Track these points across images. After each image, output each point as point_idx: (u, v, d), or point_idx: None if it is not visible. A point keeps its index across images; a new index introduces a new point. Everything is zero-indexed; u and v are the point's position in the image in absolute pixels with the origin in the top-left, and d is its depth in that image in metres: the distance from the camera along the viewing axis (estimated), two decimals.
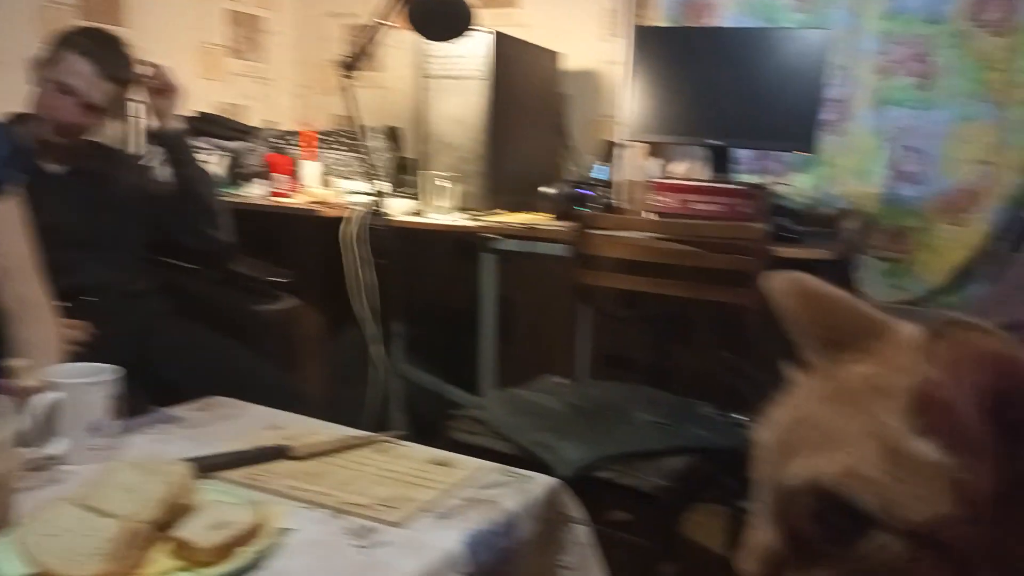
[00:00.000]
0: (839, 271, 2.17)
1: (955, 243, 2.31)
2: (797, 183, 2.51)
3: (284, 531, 0.96)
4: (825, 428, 0.41)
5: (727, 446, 1.61)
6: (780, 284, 0.47)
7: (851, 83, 2.41)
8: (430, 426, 1.84)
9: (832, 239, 2.17)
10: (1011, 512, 0.36)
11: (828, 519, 0.40)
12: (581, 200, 2.35)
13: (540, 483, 1.14)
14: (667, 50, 2.43)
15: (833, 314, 0.46)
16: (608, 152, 2.60)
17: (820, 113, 2.22)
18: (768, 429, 0.44)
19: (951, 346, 0.36)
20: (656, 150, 2.69)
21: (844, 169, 2.44)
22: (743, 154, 2.54)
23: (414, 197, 2.57)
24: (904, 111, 2.34)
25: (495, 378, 2.42)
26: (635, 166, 2.69)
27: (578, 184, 2.42)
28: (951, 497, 0.36)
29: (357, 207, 2.39)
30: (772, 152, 2.52)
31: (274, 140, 2.98)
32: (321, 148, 2.92)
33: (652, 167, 2.66)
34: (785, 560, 0.42)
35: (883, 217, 2.40)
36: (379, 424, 2.26)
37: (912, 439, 0.38)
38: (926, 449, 0.37)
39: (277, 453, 1.20)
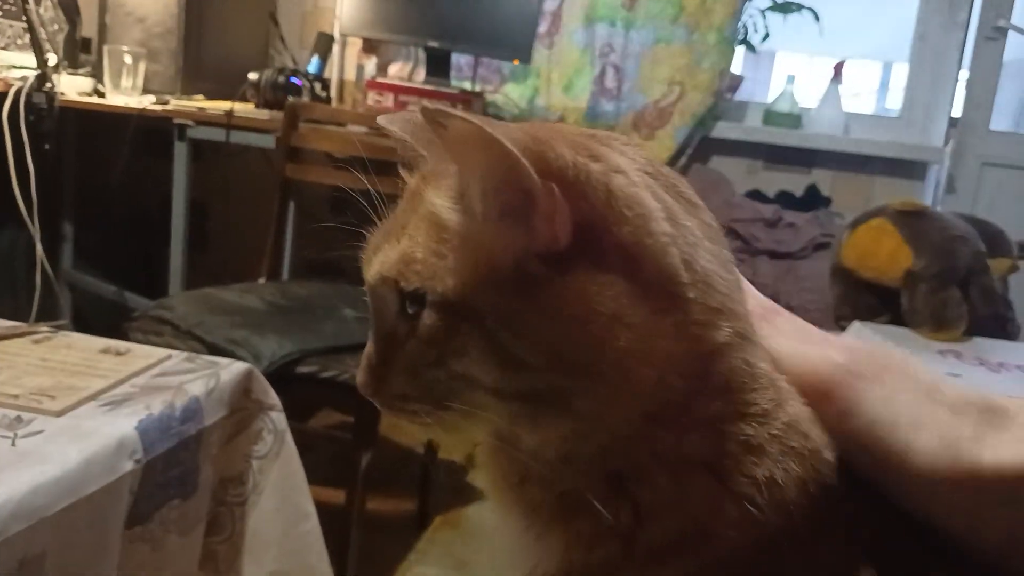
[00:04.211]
0: None
1: None
2: (510, 93, 2.54)
3: None
4: (400, 222, 0.42)
5: None
6: (387, 118, 0.47)
7: None
8: (105, 332, 1.64)
9: None
10: (525, 279, 0.38)
11: (403, 311, 0.40)
12: (291, 90, 2.19)
13: (230, 369, 1.04)
14: None
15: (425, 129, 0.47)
16: (324, 46, 2.45)
17: (538, 24, 2.24)
18: (372, 236, 0.44)
19: (448, 135, 0.37)
20: (374, 49, 2.59)
21: (554, 82, 2.50)
22: (460, 61, 2.51)
23: (94, 76, 2.25)
24: (610, 29, 2.44)
25: (186, 286, 2.21)
26: (351, 63, 2.57)
27: (290, 74, 2.25)
28: (472, 264, 0.38)
29: (18, 82, 2.04)
30: (488, 60, 2.53)
31: None
32: None
33: (368, 66, 2.56)
34: (383, 365, 0.41)
35: None
36: None
37: (449, 213, 0.39)
38: (455, 220, 0.39)
39: None
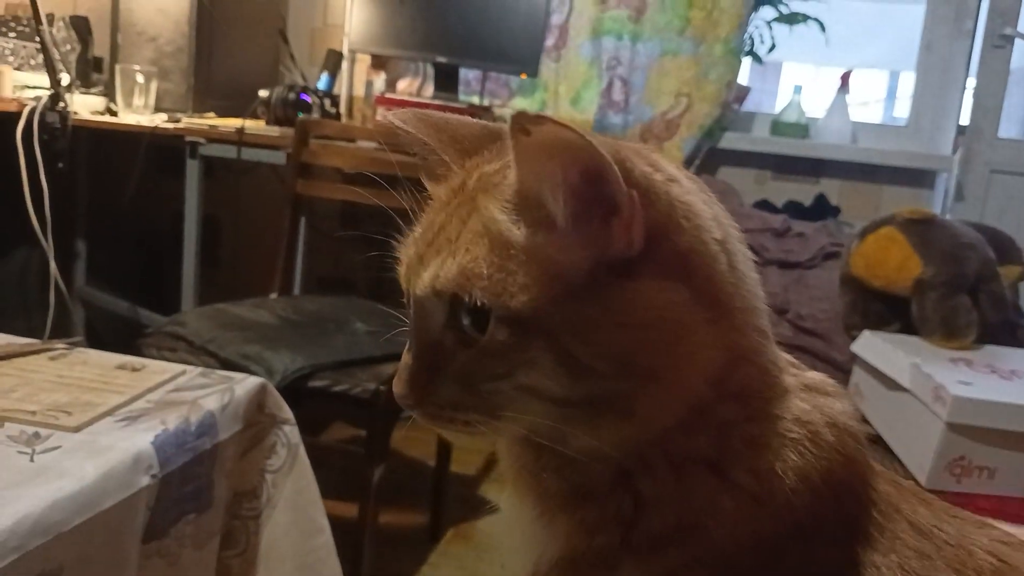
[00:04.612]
0: None
1: None
2: (518, 107, 2.56)
3: None
4: (448, 233, 0.41)
5: None
6: (398, 115, 0.48)
7: (571, 11, 2.48)
8: (119, 349, 1.65)
9: None
10: (597, 287, 0.38)
11: (456, 324, 0.41)
12: (302, 107, 2.21)
13: (244, 384, 1.05)
14: None
15: (450, 128, 0.47)
16: (333, 62, 2.47)
17: (545, 38, 2.25)
18: (408, 246, 0.44)
19: (531, 140, 0.37)
20: (383, 65, 2.60)
21: (561, 95, 2.51)
22: (469, 76, 2.53)
23: (106, 95, 2.28)
24: (617, 42, 2.46)
25: (199, 302, 2.23)
26: (360, 79, 2.59)
27: (300, 91, 2.27)
28: (547, 278, 0.38)
29: (32, 102, 2.07)
30: (496, 75, 2.54)
31: None
32: None
33: (377, 82, 2.58)
34: (427, 375, 0.42)
35: None
36: None
37: (512, 228, 0.39)
38: (522, 235, 0.39)
39: None
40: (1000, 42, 2.45)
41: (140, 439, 0.87)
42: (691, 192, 0.40)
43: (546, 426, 0.40)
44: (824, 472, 0.40)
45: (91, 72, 2.42)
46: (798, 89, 2.60)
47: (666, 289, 0.38)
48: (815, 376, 0.44)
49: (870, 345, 1.48)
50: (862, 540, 0.40)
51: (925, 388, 1.26)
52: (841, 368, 1.55)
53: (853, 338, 1.52)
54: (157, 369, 1.09)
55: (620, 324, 0.38)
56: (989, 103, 2.50)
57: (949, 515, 0.44)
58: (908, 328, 1.54)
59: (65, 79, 2.17)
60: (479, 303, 0.39)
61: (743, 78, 2.62)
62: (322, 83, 2.44)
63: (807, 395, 0.42)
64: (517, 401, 0.40)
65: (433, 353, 0.42)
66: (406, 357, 0.43)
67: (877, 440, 1.37)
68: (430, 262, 0.41)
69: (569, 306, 0.38)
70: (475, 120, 0.49)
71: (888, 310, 1.59)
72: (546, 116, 0.36)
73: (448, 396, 0.42)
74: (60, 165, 2.05)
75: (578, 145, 0.36)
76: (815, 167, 2.56)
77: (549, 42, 2.47)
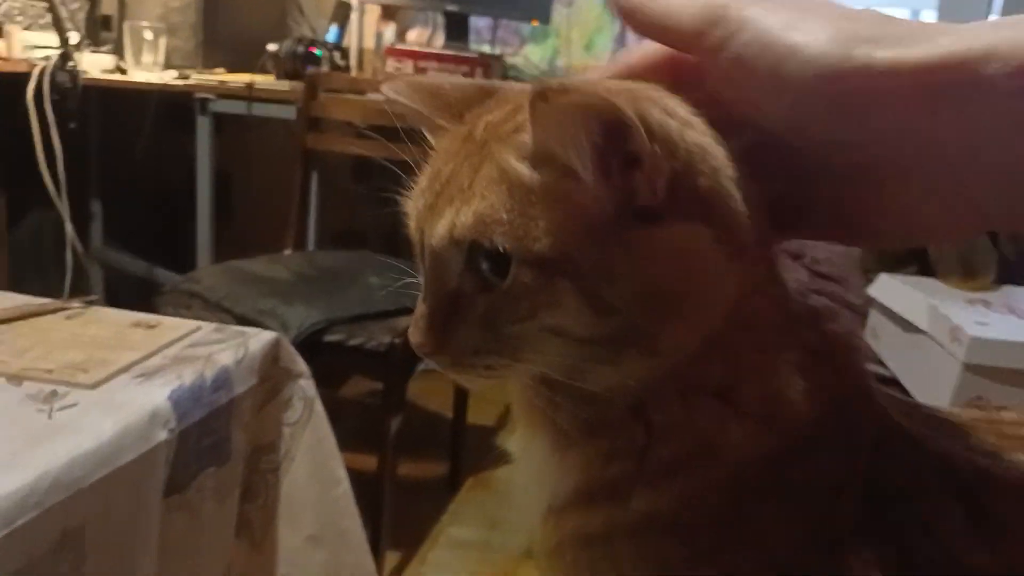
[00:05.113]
0: None
1: None
2: (530, 55, 2.52)
3: None
4: (459, 183, 0.41)
5: None
6: (392, 87, 0.48)
7: None
8: (136, 308, 1.66)
9: None
10: (621, 231, 0.39)
11: (474, 270, 0.41)
12: (311, 60, 2.19)
13: (258, 339, 1.06)
14: None
15: (445, 91, 0.47)
16: (342, 14, 2.44)
17: None
18: (416, 198, 0.44)
19: (551, 107, 0.37)
20: (392, 16, 2.57)
21: (574, 41, 2.47)
22: (479, 24, 2.49)
23: (115, 53, 2.27)
24: None
25: (213, 259, 2.24)
26: (370, 30, 2.56)
27: (309, 44, 2.25)
28: (571, 223, 0.39)
29: (41, 62, 2.06)
30: (507, 22, 2.50)
31: None
32: None
33: (387, 33, 2.54)
34: (445, 322, 0.42)
35: None
36: None
37: (532, 175, 0.39)
38: (543, 182, 0.39)
39: None
40: None
41: (156, 395, 0.88)
42: (705, 133, 0.40)
43: (568, 365, 0.40)
44: (829, 390, 0.41)
45: (99, 30, 2.41)
46: None
47: (688, 231, 0.39)
48: (820, 301, 0.45)
49: (887, 287, 1.46)
50: (863, 450, 0.42)
51: (942, 329, 1.25)
52: (858, 311, 1.54)
53: (870, 281, 1.51)
54: (172, 326, 1.10)
55: (645, 266, 0.39)
56: None
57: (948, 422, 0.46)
58: (926, 269, 1.52)
59: (74, 38, 2.16)
60: (501, 248, 0.39)
61: None
62: (331, 35, 2.41)
63: (814, 320, 0.43)
64: (540, 342, 0.40)
65: (451, 300, 0.42)
66: (420, 307, 0.43)
67: (894, 382, 1.36)
68: (443, 211, 0.41)
69: (594, 249, 0.39)
70: (468, 80, 0.50)
71: (906, 251, 1.57)
72: (568, 84, 0.36)
73: (468, 341, 0.42)
74: (72, 125, 2.05)
75: (602, 107, 0.36)
76: None
77: None
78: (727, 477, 0.40)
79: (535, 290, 0.39)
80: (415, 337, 0.43)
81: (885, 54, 0.34)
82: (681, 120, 0.39)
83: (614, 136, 0.37)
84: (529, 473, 0.47)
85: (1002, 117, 0.33)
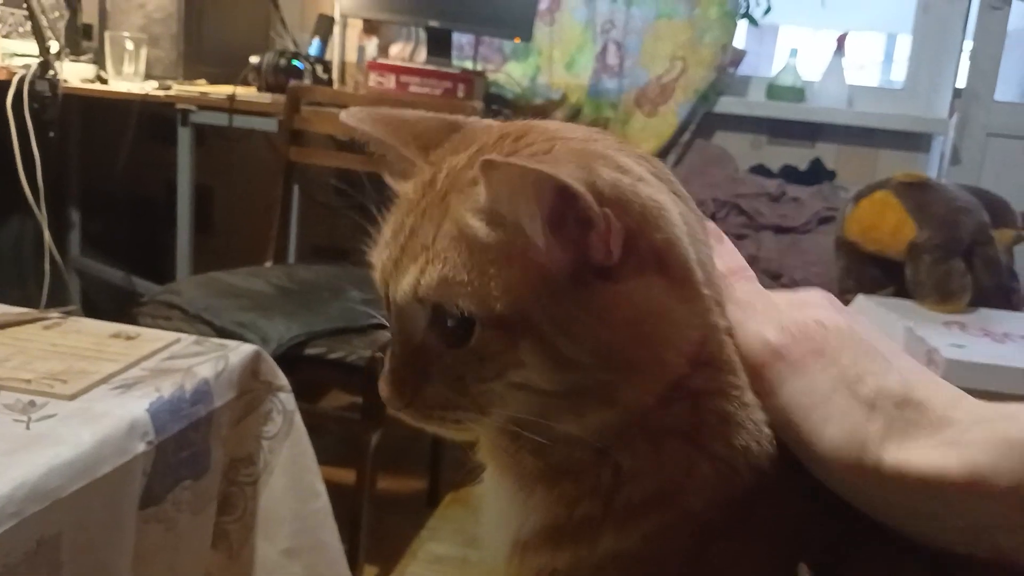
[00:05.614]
0: None
1: (648, 132, 2.47)
2: (511, 72, 2.54)
3: None
4: (423, 238, 0.42)
5: None
6: (353, 115, 0.48)
7: None
8: (114, 318, 1.65)
9: None
10: (579, 287, 0.39)
11: (439, 326, 0.41)
12: (293, 73, 2.19)
13: (238, 352, 1.06)
14: None
15: (408, 124, 0.48)
16: (324, 28, 2.45)
17: (538, 1, 2.23)
18: (380, 250, 0.44)
19: (502, 174, 0.38)
20: (375, 30, 2.58)
21: (555, 60, 2.49)
22: (462, 41, 2.51)
23: (96, 63, 2.25)
24: (611, 5, 2.43)
25: (193, 271, 2.22)
26: (352, 44, 2.56)
27: (292, 57, 2.25)
28: (528, 281, 0.39)
29: (21, 70, 2.04)
30: (489, 39, 2.52)
31: None
32: None
33: (369, 47, 2.55)
34: (413, 377, 0.43)
35: (588, 108, 2.51)
36: None
37: (488, 232, 0.40)
38: (499, 240, 0.40)
39: None
40: (997, 4, 2.43)
41: (135, 406, 0.88)
42: (659, 189, 0.41)
43: (534, 414, 0.41)
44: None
45: (80, 39, 2.39)
46: (794, 52, 2.58)
47: (645, 284, 0.40)
48: None
49: (864, 309, 1.48)
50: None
51: (919, 352, 1.27)
52: None
53: (847, 302, 1.53)
54: (151, 337, 1.09)
55: (604, 321, 0.39)
56: (986, 66, 2.48)
57: None
58: (902, 292, 1.55)
59: (54, 46, 2.14)
60: (465, 312, 0.40)
61: (738, 41, 2.60)
62: (313, 49, 2.41)
63: None
64: (507, 397, 0.41)
65: (417, 355, 0.42)
66: (392, 360, 0.44)
67: None
68: (408, 268, 0.41)
69: (553, 306, 0.39)
70: (432, 114, 0.49)
71: (882, 274, 1.59)
72: (511, 161, 0.37)
73: (436, 397, 0.42)
74: (51, 134, 2.03)
75: (545, 178, 0.37)
76: (811, 131, 2.55)
77: (543, 5, 2.44)
78: (695, 516, 0.41)
79: (500, 351, 0.40)
80: (384, 391, 0.44)
81: (894, 457, 0.37)
82: (635, 176, 0.40)
83: (567, 200, 0.37)
84: (497, 512, 0.47)
85: (1013, 512, 0.35)
